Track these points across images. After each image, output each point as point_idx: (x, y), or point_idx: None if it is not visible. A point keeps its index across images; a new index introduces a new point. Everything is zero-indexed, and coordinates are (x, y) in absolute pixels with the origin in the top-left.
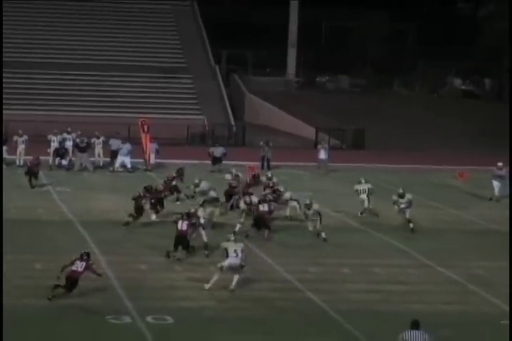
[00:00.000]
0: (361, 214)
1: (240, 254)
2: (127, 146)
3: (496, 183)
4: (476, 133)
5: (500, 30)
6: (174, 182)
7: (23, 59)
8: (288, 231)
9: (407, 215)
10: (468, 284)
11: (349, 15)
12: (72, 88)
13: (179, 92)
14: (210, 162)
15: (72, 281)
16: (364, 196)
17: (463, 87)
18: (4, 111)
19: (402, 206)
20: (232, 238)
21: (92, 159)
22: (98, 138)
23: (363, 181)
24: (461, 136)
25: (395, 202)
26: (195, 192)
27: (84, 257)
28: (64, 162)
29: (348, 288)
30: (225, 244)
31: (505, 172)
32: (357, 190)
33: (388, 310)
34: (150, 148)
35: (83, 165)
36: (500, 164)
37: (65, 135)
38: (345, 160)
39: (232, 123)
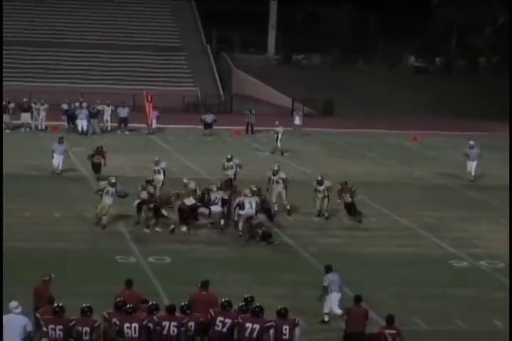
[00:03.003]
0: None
1: (253, 206)
2: (85, 111)
3: (469, 164)
4: (426, 103)
5: (450, 16)
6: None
7: (45, 39)
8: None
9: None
10: (419, 230)
11: (320, 3)
12: (85, 64)
13: (175, 68)
14: (202, 127)
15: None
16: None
17: (416, 64)
18: (28, 83)
19: (320, 195)
20: (248, 193)
21: (101, 124)
22: (108, 106)
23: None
24: (414, 106)
25: (315, 190)
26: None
27: None
28: (84, 127)
29: (320, 233)
30: (241, 198)
31: (475, 151)
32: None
33: (353, 252)
34: (152, 115)
35: (93, 130)
36: (471, 143)
37: (77, 104)
38: (317, 125)
39: (221, 93)
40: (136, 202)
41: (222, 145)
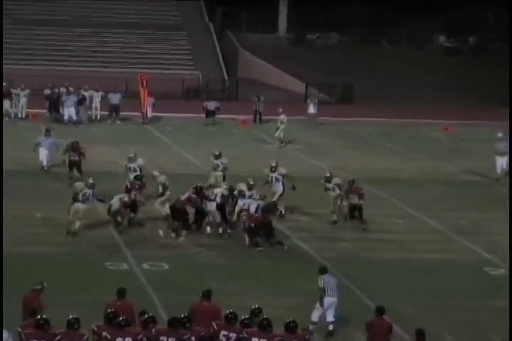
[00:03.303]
0: None
1: (255, 196)
2: (73, 98)
3: (497, 160)
4: (459, 88)
5: None
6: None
7: (24, 16)
8: None
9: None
10: (450, 233)
11: None
12: (71, 44)
13: (174, 49)
14: (204, 116)
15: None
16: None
17: (447, 44)
18: (6, 66)
19: (333, 194)
20: (251, 182)
21: (89, 112)
22: (97, 91)
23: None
24: (445, 91)
25: (326, 188)
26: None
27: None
28: (73, 116)
29: (338, 236)
30: (240, 203)
31: (505, 144)
32: None
33: (375, 257)
34: (147, 101)
35: (78, 118)
36: (500, 135)
37: (63, 89)
38: (334, 114)
39: (226, 78)
40: (113, 208)
41: (226, 136)
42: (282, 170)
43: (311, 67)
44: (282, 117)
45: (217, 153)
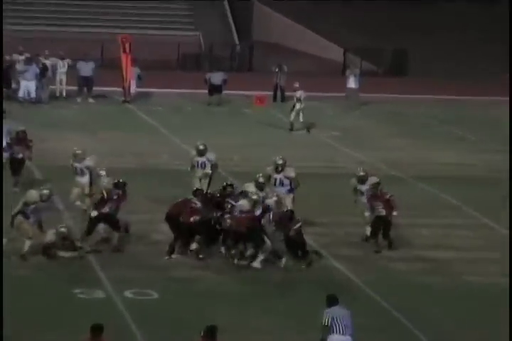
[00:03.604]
0: None
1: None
2: (33, 68)
3: None
4: None
5: None
6: None
7: None
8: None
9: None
10: None
11: None
12: None
13: (167, 1)
14: (206, 92)
15: None
16: None
17: None
18: None
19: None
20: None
21: (52, 87)
22: (62, 59)
23: None
24: None
25: (355, 189)
26: None
27: None
28: (32, 92)
29: (384, 254)
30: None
31: None
32: None
33: (435, 282)
34: (130, 73)
35: (37, 96)
36: None
37: (18, 56)
38: (382, 89)
39: (236, 41)
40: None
41: (236, 119)
42: (290, 171)
43: (352, 27)
44: (300, 94)
45: (201, 147)
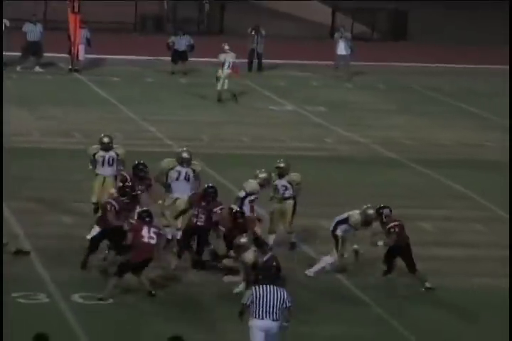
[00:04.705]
0: None
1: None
2: None
3: None
4: None
5: None
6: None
7: None
8: None
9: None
10: None
11: None
12: None
13: None
14: (169, 59)
15: None
16: None
17: None
18: None
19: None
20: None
21: None
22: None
23: None
24: None
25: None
26: None
27: None
28: None
29: (381, 253)
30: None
31: None
32: None
33: (440, 285)
34: (79, 36)
35: None
36: None
37: None
38: (378, 57)
39: None
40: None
41: (205, 91)
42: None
43: None
44: (225, 56)
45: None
